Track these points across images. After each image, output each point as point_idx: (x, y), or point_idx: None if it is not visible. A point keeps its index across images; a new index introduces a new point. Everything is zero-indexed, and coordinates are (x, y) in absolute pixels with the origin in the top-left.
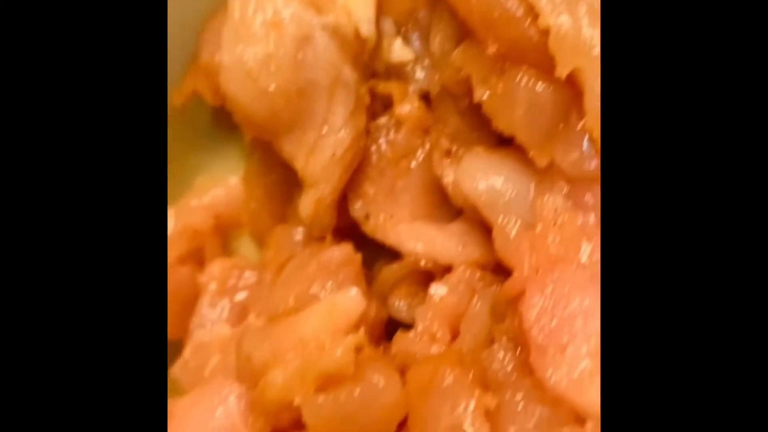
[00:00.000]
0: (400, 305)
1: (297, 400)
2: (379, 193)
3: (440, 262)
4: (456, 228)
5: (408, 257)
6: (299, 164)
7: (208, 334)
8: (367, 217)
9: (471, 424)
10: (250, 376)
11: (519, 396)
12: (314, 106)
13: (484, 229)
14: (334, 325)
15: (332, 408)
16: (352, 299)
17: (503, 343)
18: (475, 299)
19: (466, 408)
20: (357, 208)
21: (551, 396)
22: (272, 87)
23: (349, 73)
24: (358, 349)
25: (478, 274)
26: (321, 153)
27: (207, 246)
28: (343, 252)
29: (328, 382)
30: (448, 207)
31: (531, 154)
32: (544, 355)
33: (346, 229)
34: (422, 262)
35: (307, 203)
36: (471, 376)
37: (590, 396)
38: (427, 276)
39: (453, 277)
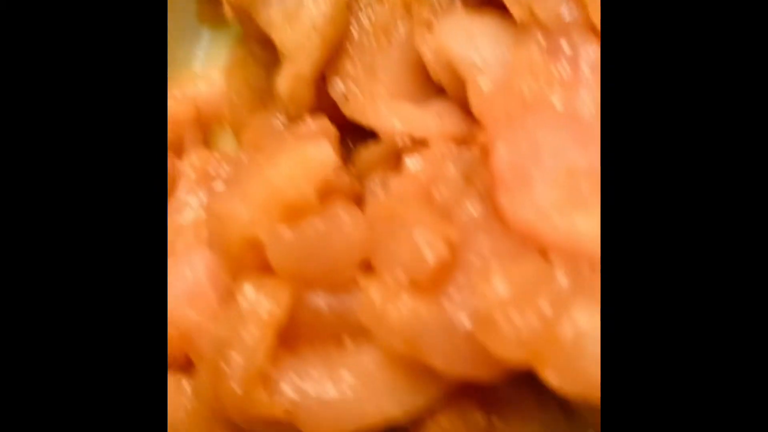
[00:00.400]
0: (375, 185)
1: (261, 235)
2: (359, 71)
3: (416, 136)
4: (435, 106)
5: (386, 137)
6: (277, 34)
7: (184, 218)
8: (345, 97)
9: (429, 247)
10: (219, 233)
11: (482, 233)
12: None
13: (463, 107)
14: (304, 173)
15: (295, 242)
16: (323, 150)
17: (473, 198)
18: (449, 164)
19: (426, 233)
20: (336, 87)
21: (516, 231)
22: None
23: None
24: (326, 189)
25: (454, 148)
26: (300, 22)
27: (187, 136)
28: (319, 124)
29: (292, 216)
30: (429, 87)
31: (510, 7)
32: (510, 191)
33: (325, 114)
34: (399, 141)
35: (286, 77)
36: (435, 214)
37: (555, 227)
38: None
39: (429, 151)
